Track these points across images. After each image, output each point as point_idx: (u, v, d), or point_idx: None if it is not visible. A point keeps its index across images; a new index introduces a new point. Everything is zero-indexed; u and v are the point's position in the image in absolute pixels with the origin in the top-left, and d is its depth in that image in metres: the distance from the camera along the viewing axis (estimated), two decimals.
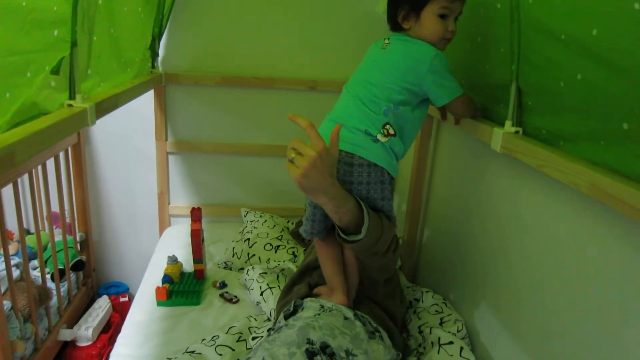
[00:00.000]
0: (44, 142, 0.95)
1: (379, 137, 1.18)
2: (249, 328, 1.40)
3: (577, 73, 1.02)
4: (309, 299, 1.27)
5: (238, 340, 1.33)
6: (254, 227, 2.04)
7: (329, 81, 2.13)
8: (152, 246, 2.21)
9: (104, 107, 1.29)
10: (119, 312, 2.23)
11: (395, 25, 1.26)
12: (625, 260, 0.96)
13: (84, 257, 2.22)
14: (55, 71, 1.09)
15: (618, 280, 0.98)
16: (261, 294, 1.57)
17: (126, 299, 2.30)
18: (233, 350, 1.29)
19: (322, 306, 1.21)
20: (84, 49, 1.18)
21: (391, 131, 1.20)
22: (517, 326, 1.31)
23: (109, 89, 1.44)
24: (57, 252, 2.01)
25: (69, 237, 2.16)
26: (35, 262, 2.06)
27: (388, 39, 1.26)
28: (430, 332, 1.38)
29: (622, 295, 0.97)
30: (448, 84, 1.23)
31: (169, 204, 2.29)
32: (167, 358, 1.25)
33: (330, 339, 1.07)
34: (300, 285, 1.38)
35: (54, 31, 1.02)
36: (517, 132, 1.29)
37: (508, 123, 1.31)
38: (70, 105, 1.17)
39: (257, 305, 1.59)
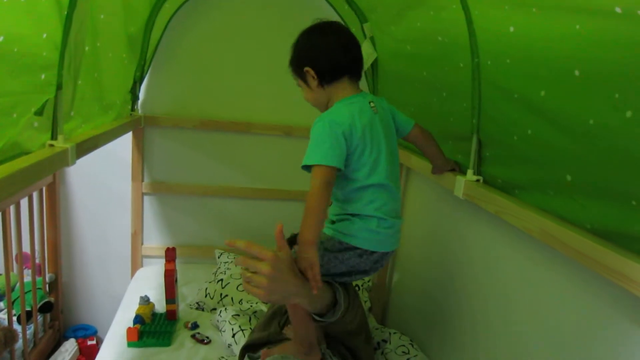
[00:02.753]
0: (24, 180, 0.99)
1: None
2: None
3: (528, 128, 1.12)
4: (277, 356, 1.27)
5: None
6: (228, 268, 2.05)
7: (304, 127, 2.22)
8: (122, 288, 2.19)
9: (85, 148, 1.34)
10: (86, 356, 2.18)
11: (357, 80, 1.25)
12: (579, 301, 1.03)
13: (52, 299, 2.18)
14: (39, 112, 1.13)
15: (578, 318, 1.04)
16: (233, 336, 1.58)
17: (94, 342, 2.25)
18: None
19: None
20: (69, 91, 1.23)
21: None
22: None
23: (89, 130, 1.48)
24: (25, 293, 1.98)
25: (38, 278, 2.13)
26: (1, 304, 2.02)
27: (372, 101, 1.23)
28: None
29: (579, 331, 1.03)
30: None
31: (142, 244, 2.29)
32: None
33: None
34: (270, 324, 1.41)
35: (42, 75, 1.08)
36: (478, 180, 1.38)
37: (470, 172, 1.40)
38: (51, 145, 1.21)
39: (229, 347, 1.59)
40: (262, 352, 1.27)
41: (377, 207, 1.16)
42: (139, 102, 2.14)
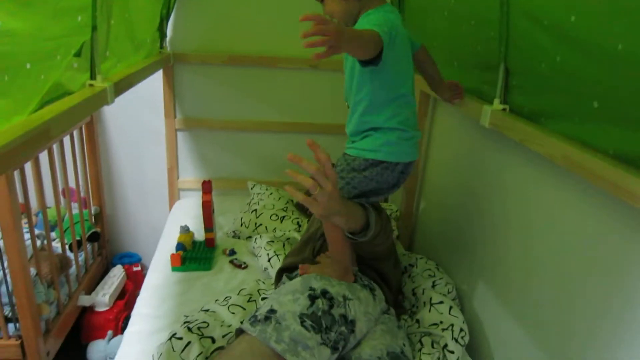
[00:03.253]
0: (73, 118, 1.06)
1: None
2: (257, 290, 1.52)
3: (557, 55, 1.12)
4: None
5: (249, 301, 1.46)
6: (261, 199, 2.16)
7: (331, 61, 2.21)
8: (162, 218, 2.33)
9: (122, 86, 1.40)
10: (133, 281, 2.37)
11: None
12: (597, 226, 1.08)
13: (98, 229, 2.35)
14: (78, 54, 1.19)
15: (593, 243, 1.09)
16: (268, 261, 1.70)
17: (139, 268, 2.44)
18: (244, 309, 1.41)
19: None
20: (103, 32, 1.28)
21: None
22: (506, 292, 1.43)
23: (124, 69, 1.54)
24: (74, 224, 2.13)
25: (85, 211, 2.28)
26: (54, 234, 2.19)
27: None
28: (423, 293, 1.51)
29: (593, 257, 1.08)
30: None
31: (178, 178, 2.40)
32: (185, 315, 1.38)
33: (329, 287, 1.20)
34: (304, 250, 1.51)
35: (78, 17, 1.12)
36: (504, 109, 1.39)
37: (496, 101, 1.41)
38: (91, 85, 1.27)
39: (265, 270, 1.72)
40: (300, 266, 1.38)
41: (400, 120, 1.24)
42: (167, 39, 2.16)
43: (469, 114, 1.54)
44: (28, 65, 0.90)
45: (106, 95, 1.27)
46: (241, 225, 2.02)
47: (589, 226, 1.10)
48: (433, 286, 1.60)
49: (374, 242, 1.29)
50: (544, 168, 1.27)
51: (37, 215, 2.23)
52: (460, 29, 1.60)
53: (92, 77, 1.28)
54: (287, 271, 1.48)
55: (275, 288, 1.46)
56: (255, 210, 2.07)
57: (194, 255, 1.80)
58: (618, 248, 1.00)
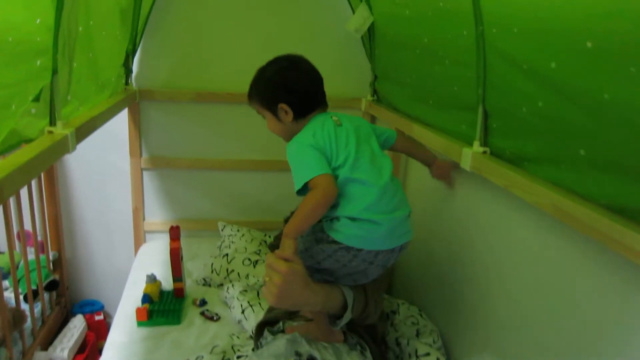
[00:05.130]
0: (30, 173, 0.96)
1: None
2: (232, 347, 1.42)
3: (538, 101, 1.10)
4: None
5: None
6: (232, 242, 2.06)
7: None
8: (126, 262, 2.20)
9: (84, 131, 1.30)
10: (94, 331, 2.21)
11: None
12: (588, 275, 1.04)
13: (57, 276, 2.19)
14: (36, 99, 1.10)
15: (584, 292, 1.05)
16: (242, 312, 1.60)
17: (101, 317, 2.28)
18: None
19: None
20: (65, 75, 1.19)
21: None
22: (492, 336, 1.38)
23: (86, 111, 1.44)
24: (30, 271, 1.98)
25: (42, 256, 2.13)
26: (7, 283, 2.02)
27: (334, 116, 1.25)
28: (408, 344, 1.44)
29: (585, 306, 1.04)
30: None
31: (144, 219, 2.28)
32: None
33: (316, 352, 1.12)
34: None
35: (37, 61, 1.03)
36: (484, 152, 1.37)
37: (476, 143, 1.38)
38: (50, 132, 1.17)
39: (239, 323, 1.62)
40: (286, 328, 1.29)
41: (364, 206, 1.10)
42: (133, 75, 2.08)
43: (448, 155, 1.52)
44: None
45: (67, 143, 1.17)
46: (212, 272, 1.92)
47: (578, 274, 1.07)
48: (417, 335, 1.54)
49: (365, 313, 1.22)
50: (529, 212, 1.25)
51: None
52: (434, 68, 1.59)
53: (52, 123, 1.19)
54: (269, 325, 1.39)
55: (255, 344, 1.36)
56: (227, 255, 1.97)
57: (161, 307, 1.68)
58: (612, 300, 0.97)
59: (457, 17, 1.33)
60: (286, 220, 2.02)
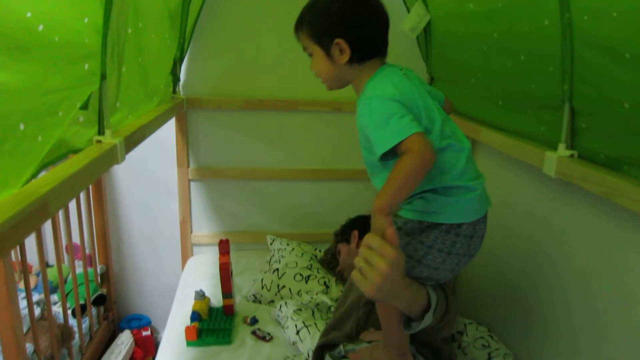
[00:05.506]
0: (77, 187, 0.89)
1: None
2: None
3: None
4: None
5: None
6: (282, 256, 1.96)
7: (354, 102, 2.07)
8: (174, 276, 2.13)
9: (133, 140, 1.23)
10: (142, 347, 2.15)
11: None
12: None
13: (104, 291, 2.15)
14: (85, 106, 1.02)
15: None
16: (297, 333, 1.48)
17: (148, 332, 2.22)
18: None
19: None
20: (114, 81, 1.12)
21: None
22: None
23: (135, 119, 1.37)
24: (78, 286, 1.93)
25: (89, 270, 2.09)
26: (55, 297, 1.99)
27: (402, 69, 1.05)
28: None
29: None
30: None
31: (191, 232, 2.21)
32: None
33: None
34: (347, 322, 1.30)
35: (85, 65, 0.96)
36: (572, 155, 1.21)
37: (562, 146, 1.23)
38: (99, 141, 1.10)
39: (293, 344, 1.50)
40: (350, 355, 1.16)
41: (454, 175, 0.98)
42: (180, 83, 2.02)
43: (527, 160, 1.36)
44: (22, 126, 0.73)
45: (116, 153, 1.10)
46: (262, 287, 1.82)
47: None
48: (489, 359, 1.39)
49: (439, 325, 1.08)
50: (629, 225, 1.08)
51: (37, 275, 2.04)
52: (506, 65, 1.44)
53: (100, 131, 1.11)
54: (327, 348, 1.26)
55: None
56: (277, 269, 1.86)
57: (211, 326, 1.58)
58: None
59: (536, 6, 1.19)
60: (336, 234, 1.92)
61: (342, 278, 1.83)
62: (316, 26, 1.03)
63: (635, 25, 0.93)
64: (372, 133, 0.93)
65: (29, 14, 0.70)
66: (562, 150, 1.22)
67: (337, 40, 0.99)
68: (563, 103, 1.21)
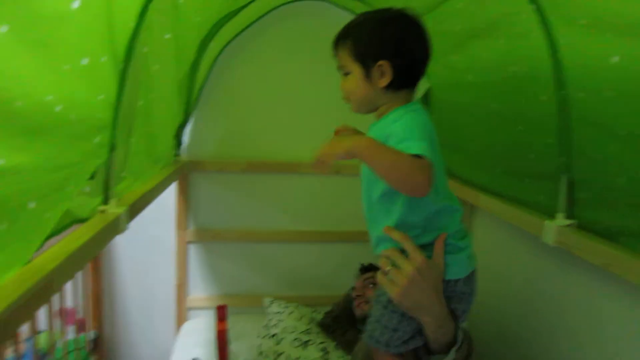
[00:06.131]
0: (80, 261, 0.88)
1: None
2: None
3: None
4: None
5: None
6: (280, 320, 1.91)
7: (353, 165, 2.10)
8: (168, 341, 2.07)
9: (137, 209, 1.24)
10: None
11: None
12: None
13: (96, 358, 2.08)
14: (91, 177, 1.04)
15: None
16: None
17: None
18: None
19: None
20: (122, 151, 1.14)
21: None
22: None
23: (139, 185, 1.39)
24: (68, 352, 1.87)
25: (81, 335, 2.02)
26: None
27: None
28: None
29: None
30: None
31: (187, 295, 2.17)
32: None
33: None
34: None
35: (95, 138, 0.98)
36: (570, 224, 1.23)
37: (560, 215, 1.24)
38: (102, 211, 1.10)
39: None
40: None
41: (451, 233, 1.01)
42: (183, 146, 2.05)
43: (526, 228, 1.37)
44: (32, 205, 0.74)
45: (119, 223, 1.10)
46: (259, 354, 1.77)
47: None
48: None
49: None
50: (629, 296, 1.08)
51: (26, 341, 1.97)
52: (504, 134, 1.48)
53: (105, 201, 1.12)
54: None
55: None
56: (275, 334, 1.82)
57: None
58: None
59: (534, 82, 1.23)
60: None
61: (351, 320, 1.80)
62: (363, 44, 0.98)
63: (628, 105, 0.96)
64: (401, 133, 0.91)
65: (49, 97, 0.72)
66: (561, 219, 1.23)
67: (382, 62, 0.96)
68: (560, 174, 1.23)
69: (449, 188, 1.04)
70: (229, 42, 1.96)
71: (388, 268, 0.92)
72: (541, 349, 1.39)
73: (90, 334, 2.10)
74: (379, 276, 0.94)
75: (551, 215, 1.27)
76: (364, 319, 1.57)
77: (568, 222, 1.23)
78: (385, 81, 0.97)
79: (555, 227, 1.22)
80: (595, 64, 1.01)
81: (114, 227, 1.07)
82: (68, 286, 1.91)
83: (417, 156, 0.86)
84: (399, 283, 0.90)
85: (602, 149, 1.09)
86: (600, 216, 1.16)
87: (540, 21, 1.11)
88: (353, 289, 1.82)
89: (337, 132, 1.11)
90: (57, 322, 2.02)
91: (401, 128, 0.93)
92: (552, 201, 1.28)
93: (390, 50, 0.96)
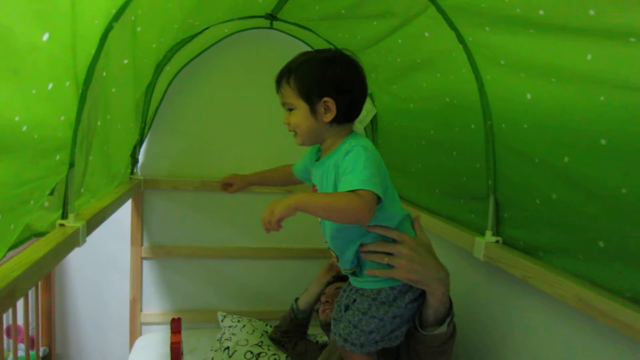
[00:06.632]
0: (41, 271, 0.93)
1: None
2: None
3: (552, 193, 1.11)
4: None
5: None
6: (233, 334, 1.97)
7: (306, 187, 2.20)
8: (121, 357, 2.09)
9: (94, 223, 1.29)
10: None
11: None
12: None
13: None
14: (51, 192, 1.09)
15: None
16: None
17: None
18: None
19: None
20: (80, 169, 1.20)
21: None
22: None
23: (96, 202, 1.43)
24: None
25: (31, 353, 2.01)
26: None
27: None
28: None
29: None
30: None
31: (141, 311, 2.19)
32: None
33: None
34: None
35: (56, 156, 1.04)
36: (497, 241, 1.36)
37: (488, 232, 1.38)
38: (62, 225, 1.15)
39: None
40: None
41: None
42: (138, 165, 2.10)
43: (459, 244, 1.51)
44: None
45: (78, 236, 1.15)
46: None
47: None
48: None
49: (439, 349, 1.14)
50: (550, 307, 1.21)
51: None
52: (441, 158, 1.62)
53: (64, 215, 1.17)
54: None
55: None
56: (228, 348, 1.87)
57: None
58: None
59: (465, 111, 1.36)
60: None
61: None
62: (307, 83, 1.06)
63: (540, 136, 1.10)
64: (350, 168, 0.99)
65: (17, 118, 0.79)
66: (489, 236, 1.37)
67: (326, 99, 1.04)
68: (488, 196, 1.38)
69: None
70: (183, 66, 2.05)
71: (386, 259, 1.03)
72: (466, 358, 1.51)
73: (41, 350, 2.08)
74: (380, 271, 1.05)
75: (482, 233, 1.40)
76: (327, 324, 1.64)
77: (495, 238, 1.37)
78: (330, 116, 1.06)
79: (484, 244, 1.36)
80: (514, 98, 1.15)
81: (73, 240, 1.12)
82: (19, 304, 1.90)
83: (355, 190, 0.95)
84: (400, 265, 1.01)
85: (520, 173, 1.23)
86: (521, 233, 1.30)
87: (468, 59, 1.25)
88: (323, 294, 1.89)
89: (223, 186, 1.31)
90: (6, 340, 2.00)
91: (348, 162, 1.01)
92: (483, 220, 1.42)
93: (335, 89, 1.05)
